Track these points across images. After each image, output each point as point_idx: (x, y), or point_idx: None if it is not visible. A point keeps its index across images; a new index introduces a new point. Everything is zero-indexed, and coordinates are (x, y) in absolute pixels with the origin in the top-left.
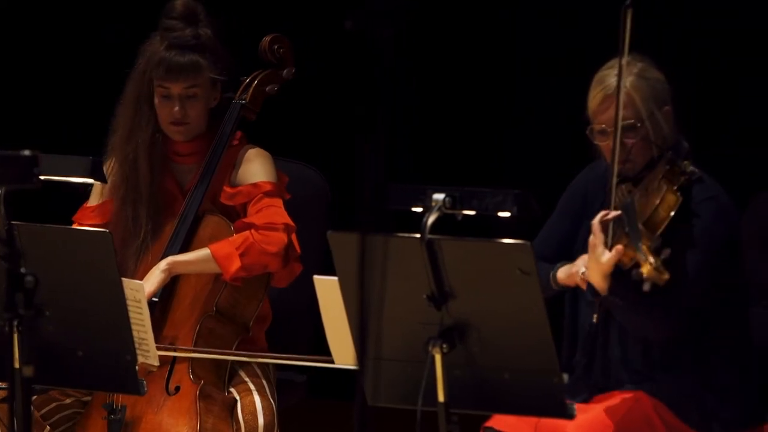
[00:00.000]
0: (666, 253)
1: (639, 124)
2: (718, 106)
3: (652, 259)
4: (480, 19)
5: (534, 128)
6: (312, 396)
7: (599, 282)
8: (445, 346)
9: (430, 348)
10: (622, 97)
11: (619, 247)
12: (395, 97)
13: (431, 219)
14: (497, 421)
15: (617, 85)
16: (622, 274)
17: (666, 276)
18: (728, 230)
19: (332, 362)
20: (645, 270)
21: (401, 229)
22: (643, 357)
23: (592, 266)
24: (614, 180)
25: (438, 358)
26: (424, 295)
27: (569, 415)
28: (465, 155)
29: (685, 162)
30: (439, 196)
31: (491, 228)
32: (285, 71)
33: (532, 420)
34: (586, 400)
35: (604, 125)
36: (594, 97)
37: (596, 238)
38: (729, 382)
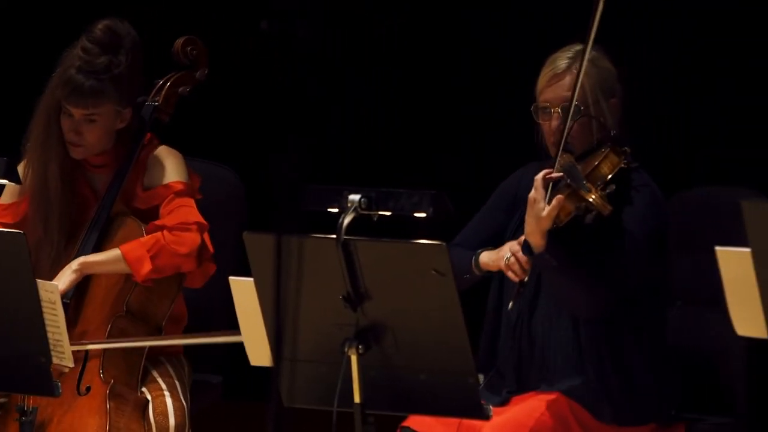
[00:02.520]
0: (611, 188)
1: (583, 107)
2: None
3: (597, 191)
4: (402, 19)
5: (457, 127)
6: (227, 397)
7: (537, 239)
8: (360, 347)
9: (345, 349)
10: (571, 79)
11: (560, 196)
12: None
13: (347, 220)
14: (414, 421)
15: (578, 69)
16: (558, 236)
17: (610, 208)
18: (660, 221)
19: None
20: (591, 198)
21: (317, 229)
22: (571, 347)
23: (530, 222)
24: (560, 148)
25: (354, 359)
26: (340, 296)
27: (485, 416)
28: (384, 155)
29: (626, 148)
30: (354, 197)
31: (411, 229)
32: (198, 72)
33: (452, 421)
34: (504, 402)
35: (548, 103)
36: (543, 76)
37: (537, 193)
38: (646, 380)
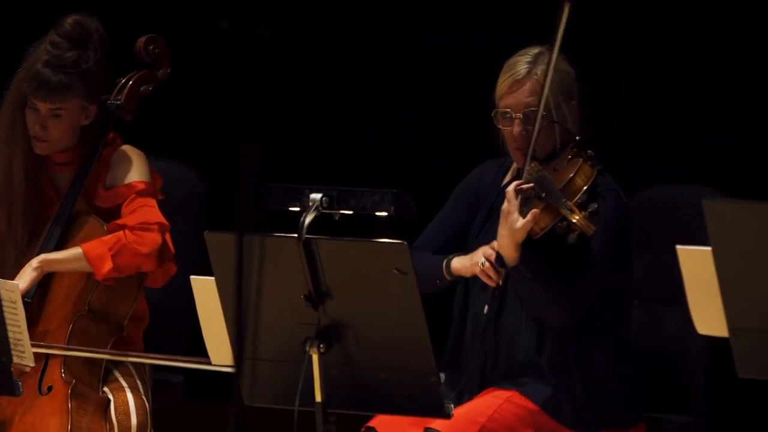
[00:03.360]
0: (593, 206)
1: (545, 113)
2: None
3: (579, 212)
4: (358, 18)
5: (415, 127)
6: (189, 396)
7: (510, 251)
8: (322, 346)
9: (307, 348)
10: (532, 84)
11: (535, 210)
12: (274, 96)
13: (308, 219)
14: (379, 421)
15: (540, 75)
16: (532, 248)
17: (593, 228)
18: (625, 225)
19: (209, 362)
20: (575, 219)
21: (278, 228)
22: (534, 350)
23: (504, 234)
24: (528, 156)
25: (315, 358)
26: (302, 295)
27: (446, 415)
28: (344, 155)
29: (590, 152)
30: (316, 196)
31: (373, 228)
32: (160, 72)
33: (415, 420)
34: (461, 397)
35: (508, 109)
36: (502, 82)
37: (510, 205)
38: (610, 385)
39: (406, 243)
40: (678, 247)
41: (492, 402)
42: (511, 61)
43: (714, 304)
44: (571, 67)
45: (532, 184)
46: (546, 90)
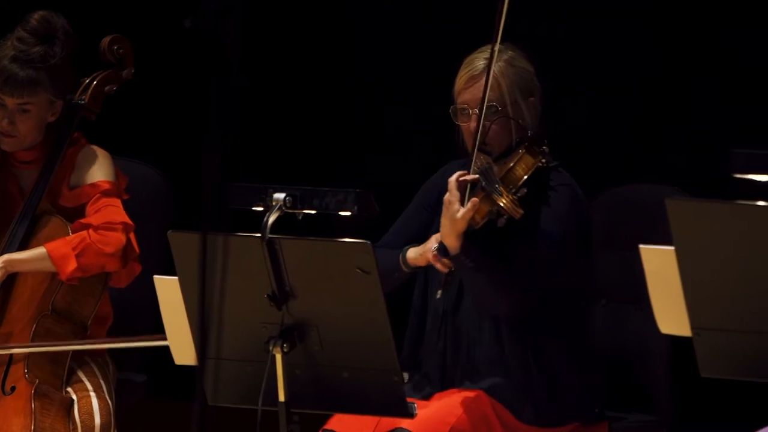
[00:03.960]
0: (523, 191)
1: (501, 108)
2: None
3: (509, 195)
4: (324, 19)
5: (379, 129)
6: (152, 396)
7: (452, 240)
8: (285, 345)
9: (270, 347)
10: (489, 80)
11: (475, 199)
12: (237, 95)
13: (272, 218)
14: (336, 422)
15: (487, 70)
16: (474, 238)
17: (521, 211)
18: (580, 220)
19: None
20: (502, 202)
21: (242, 228)
22: (494, 345)
23: (445, 224)
24: (474, 150)
25: (279, 357)
26: (265, 294)
27: (410, 414)
28: (309, 155)
29: (544, 147)
30: (279, 196)
31: (336, 227)
32: (125, 71)
33: (372, 420)
34: (427, 397)
35: (466, 105)
36: (460, 78)
37: (452, 195)
38: (569, 380)
39: (369, 242)
40: (641, 246)
41: (460, 402)
42: (470, 57)
43: (677, 303)
44: (530, 65)
45: (476, 176)
46: (488, 85)
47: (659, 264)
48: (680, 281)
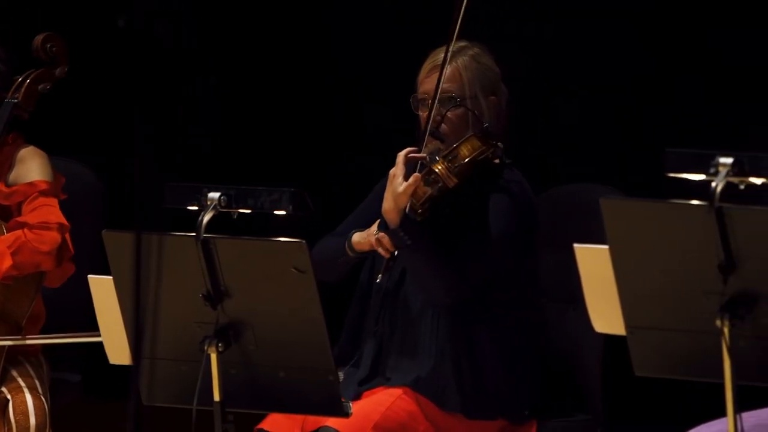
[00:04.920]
0: (460, 164)
1: (459, 100)
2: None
3: (445, 162)
4: (302, 18)
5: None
6: (87, 395)
7: (393, 215)
8: (220, 345)
9: (205, 347)
10: (450, 71)
11: (417, 174)
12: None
13: (206, 218)
14: (270, 422)
15: (444, 57)
16: (419, 222)
17: (455, 180)
18: (526, 218)
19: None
20: (438, 167)
21: (177, 227)
22: (429, 332)
23: (388, 198)
24: (425, 138)
25: (213, 357)
26: (200, 294)
27: (345, 414)
28: (289, 155)
29: (499, 143)
30: (214, 195)
31: (273, 227)
32: (58, 70)
33: (299, 418)
34: (357, 396)
35: (426, 94)
36: (424, 68)
37: (397, 168)
38: (499, 376)
39: (304, 242)
40: (575, 245)
41: (385, 399)
42: (437, 50)
43: (611, 302)
44: (497, 67)
45: (424, 155)
46: (443, 72)
47: (594, 263)
48: (614, 280)
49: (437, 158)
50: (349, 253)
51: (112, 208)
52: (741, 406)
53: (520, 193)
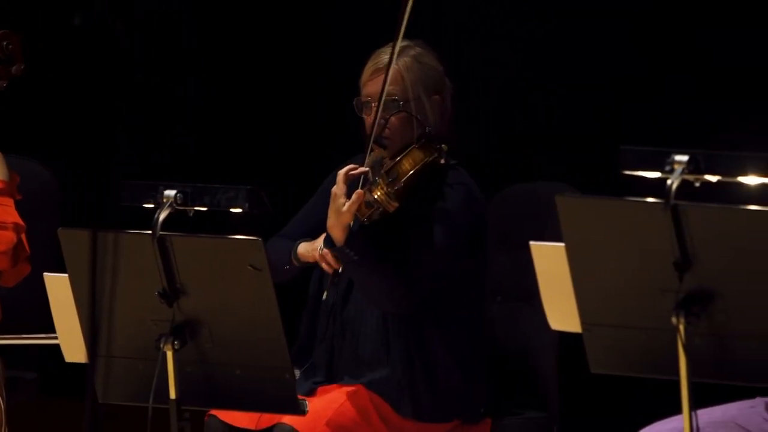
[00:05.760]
0: (400, 185)
1: (402, 102)
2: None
3: (385, 187)
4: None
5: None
6: (43, 394)
7: (337, 233)
8: (176, 342)
9: (161, 345)
10: (393, 73)
11: (359, 191)
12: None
13: (162, 215)
14: (224, 411)
15: (387, 65)
16: (364, 233)
17: (396, 204)
18: (473, 219)
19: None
20: (377, 193)
21: (133, 225)
22: (378, 340)
23: (331, 216)
24: (369, 146)
25: (169, 355)
26: (156, 292)
27: (301, 411)
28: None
29: (443, 145)
30: (170, 193)
31: (230, 224)
32: (14, 67)
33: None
34: (311, 392)
35: (369, 97)
36: (366, 70)
37: (338, 188)
38: (452, 377)
39: (260, 239)
40: (531, 243)
41: (338, 397)
42: (378, 51)
43: (567, 299)
44: (439, 64)
45: (365, 169)
46: (387, 79)
47: (549, 261)
48: (570, 278)
49: (377, 179)
50: (295, 263)
51: (68, 207)
52: (696, 404)
53: (466, 195)
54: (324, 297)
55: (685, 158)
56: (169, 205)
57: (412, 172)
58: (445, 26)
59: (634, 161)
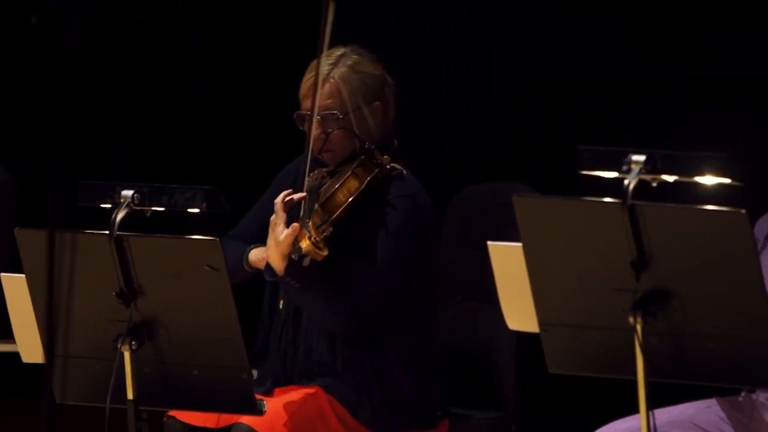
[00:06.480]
0: (328, 231)
1: (341, 116)
2: (434, 109)
3: (314, 235)
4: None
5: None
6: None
7: (277, 262)
8: (134, 343)
9: (118, 345)
10: (330, 87)
11: (295, 225)
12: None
13: (120, 215)
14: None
15: (315, 75)
16: (301, 258)
17: (324, 253)
18: (419, 229)
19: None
20: (303, 244)
21: (90, 225)
22: (329, 348)
23: (271, 245)
24: (308, 165)
25: (127, 355)
26: (113, 292)
27: (259, 412)
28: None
29: (385, 157)
30: (127, 193)
31: (187, 224)
32: None
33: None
34: (269, 392)
35: (309, 111)
36: (304, 83)
37: (277, 216)
38: (406, 387)
39: (217, 239)
40: (489, 243)
41: (296, 397)
42: (314, 62)
43: (525, 300)
44: (377, 67)
45: (304, 195)
46: (317, 98)
47: (507, 261)
48: (528, 278)
49: (307, 222)
50: (246, 268)
51: (24, 206)
52: (654, 403)
53: (409, 206)
54: (280, 307)
55: (642, 158)
56: (127, 205)
57: (346, 203)
58: (445, 26)
59: (591, 161)
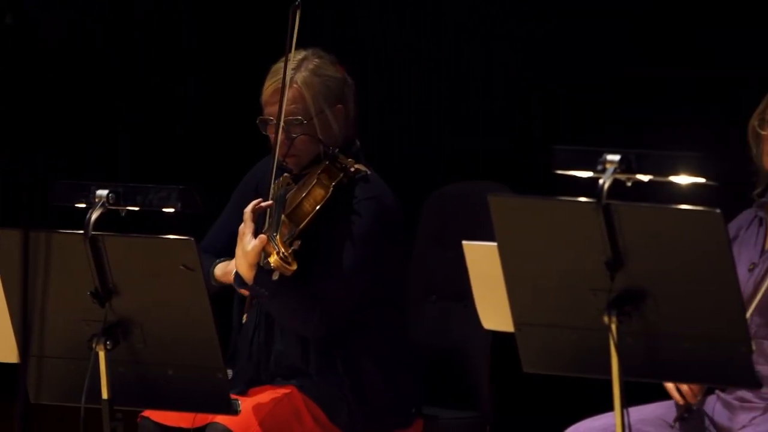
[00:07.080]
0: (296, 244)
1: (306, 121)
2: (401, 108)
3: (282, 249)
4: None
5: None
6: None
7: (245, 271)
8: (108, 342)
9: (93, 345)
10: (293, 92)
11: (263, 236)
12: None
13: (94, 215)
14: (157, 411)
15: (282, 82)
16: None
17: (293, 267)
18: (386, 231)
19: None
20: (271, 260)
21: (65, 225)
22: (301, 352)
23: (239, 254)
24: (273, 171)
25: (102, 355)
26: (88, 291)
27: (234, 411)
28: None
29: (349, 160)
30: (102, 192)
31: (163, 224)
32: None
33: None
34: (243, 392)
35: (272, 117)
36: (266, 88)
37: (246, 226)
38: (380, 390)
39: (193, 239)
40: (464, 242)
41: (271, 397)
42: (276, 66)
43: (500, 299)
44: (338, 70)
45: (271, 203)
46: (283, 104)
47: (482, 260)
48: (503, 277)
49: (275, 236)
50: (213, 282)
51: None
52: (627, 401)
53: (376, 208)
54: (244, 320)
55: (616, 158)
56: (101, 205)
57: (313, 212)
58: (445, 26)
59: (565, 160)
